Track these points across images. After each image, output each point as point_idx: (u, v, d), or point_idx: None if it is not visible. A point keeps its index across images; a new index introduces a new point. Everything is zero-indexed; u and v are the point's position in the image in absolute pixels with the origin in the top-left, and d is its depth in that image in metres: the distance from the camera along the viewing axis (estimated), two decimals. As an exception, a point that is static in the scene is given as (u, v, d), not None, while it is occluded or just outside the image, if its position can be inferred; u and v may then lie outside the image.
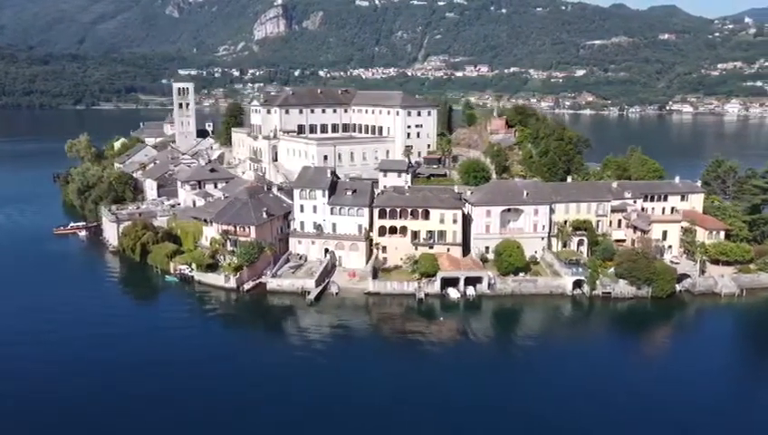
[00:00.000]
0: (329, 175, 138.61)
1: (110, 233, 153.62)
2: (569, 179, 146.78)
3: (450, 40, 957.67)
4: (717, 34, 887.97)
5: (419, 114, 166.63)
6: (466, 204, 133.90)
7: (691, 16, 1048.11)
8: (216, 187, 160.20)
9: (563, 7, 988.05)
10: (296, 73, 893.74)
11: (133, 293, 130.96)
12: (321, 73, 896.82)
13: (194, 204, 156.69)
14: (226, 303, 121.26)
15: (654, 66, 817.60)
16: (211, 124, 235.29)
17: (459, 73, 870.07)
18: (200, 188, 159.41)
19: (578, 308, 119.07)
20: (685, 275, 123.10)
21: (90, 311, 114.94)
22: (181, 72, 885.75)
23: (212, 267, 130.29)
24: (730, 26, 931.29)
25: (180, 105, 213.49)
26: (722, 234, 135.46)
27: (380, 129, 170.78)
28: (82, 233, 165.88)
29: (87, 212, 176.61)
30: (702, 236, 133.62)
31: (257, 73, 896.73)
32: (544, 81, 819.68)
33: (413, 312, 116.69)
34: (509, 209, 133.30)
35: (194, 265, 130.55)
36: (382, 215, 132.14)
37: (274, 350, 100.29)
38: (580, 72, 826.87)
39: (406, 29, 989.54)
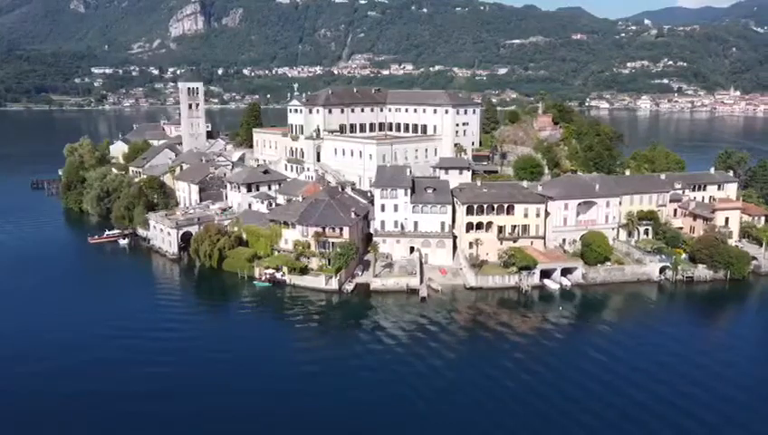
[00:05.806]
0: (408, 174, 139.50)
1: (167, 240, 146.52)
2: (627, 172, 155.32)
3: (374, 38, 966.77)
4: (623, 35, 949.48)
5: (466, 112, 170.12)
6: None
7: (596, 18, 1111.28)
8: (269, 189, 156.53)
9: (482, 7, 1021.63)
10: (219, 72, 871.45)
11: (230, 301, 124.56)
12: (246, 72, 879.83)
13: (249, 207, 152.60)
14: (335, 305, 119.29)
15: (570, 65, 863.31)
16: (209, 125, 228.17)
17: (385, 72, 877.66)
18: (255, 190, 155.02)
19: (667, 292, 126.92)
20: (753, 258, 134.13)
21: (203, 321, 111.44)
22: (95, 70, 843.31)
23: (302, 270, 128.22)
24: (633, 28, 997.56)
25: (190, 106, 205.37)
26: (762, 219, 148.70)
27: (424, 127, 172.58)
28: (123, 241, 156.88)
29: (115, 220, 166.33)
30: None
31: (178, 72, 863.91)
32: (469, 78, 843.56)
33: (520, 304, 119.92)
34: (580, 202, 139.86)
35: (285, 269, 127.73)
36: (469, 211, 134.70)
37: (421, 350, 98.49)
38: (503, 71, 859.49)
39: (329, 27, 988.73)
